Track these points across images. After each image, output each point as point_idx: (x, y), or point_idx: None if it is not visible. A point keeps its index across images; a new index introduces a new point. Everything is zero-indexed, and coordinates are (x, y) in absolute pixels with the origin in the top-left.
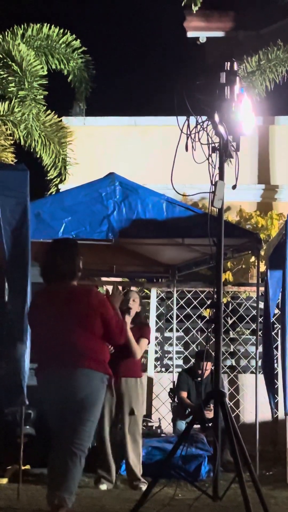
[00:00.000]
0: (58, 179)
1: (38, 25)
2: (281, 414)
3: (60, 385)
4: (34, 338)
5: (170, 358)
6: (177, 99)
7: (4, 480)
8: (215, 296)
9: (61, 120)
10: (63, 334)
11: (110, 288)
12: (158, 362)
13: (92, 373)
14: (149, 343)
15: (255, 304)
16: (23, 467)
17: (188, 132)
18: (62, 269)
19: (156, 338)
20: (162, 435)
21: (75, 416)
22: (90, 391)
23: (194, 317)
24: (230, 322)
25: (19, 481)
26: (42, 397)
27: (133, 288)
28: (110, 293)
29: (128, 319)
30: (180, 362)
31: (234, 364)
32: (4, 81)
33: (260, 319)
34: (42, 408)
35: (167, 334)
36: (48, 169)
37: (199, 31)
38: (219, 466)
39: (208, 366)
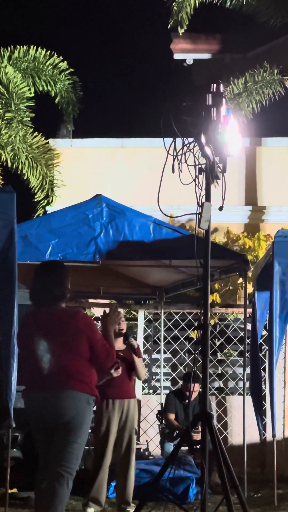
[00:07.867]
0: (45, 201)
1: (25, 47)
2: (269, 436)
3: (46, 407)
4: (22, 359)
5: (158, 380)
6: (164, 121)
7: None
8: (202, 317)
9: (48, 142)
10: (50, 356)
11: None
12: (146, 384)
13: (78, 394)
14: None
15: (242, 326)
16: (10, 491)
17: (175, 154)
18: (51, 291)
19: (144, 360)
20: (150, 457)
21: (61, 438)
22: (76, 412)
23: (182, 338)
24: (217, 343)
25: (5, 505)
26: (29, 419)
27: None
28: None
29: (120, 341)
30: (168, 384)
31: (222, 385)
32: None
33: (247, 341)
34: (29, 431)
35: (154, 355)
36: (35, 191)
37: (186, 53)
38: (207, 488)
39: (196, 388)
